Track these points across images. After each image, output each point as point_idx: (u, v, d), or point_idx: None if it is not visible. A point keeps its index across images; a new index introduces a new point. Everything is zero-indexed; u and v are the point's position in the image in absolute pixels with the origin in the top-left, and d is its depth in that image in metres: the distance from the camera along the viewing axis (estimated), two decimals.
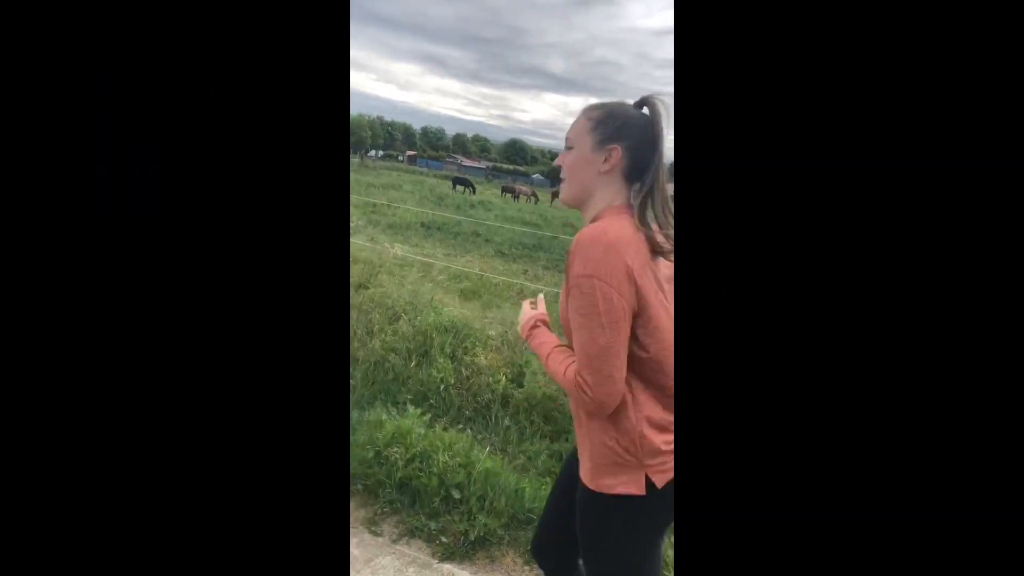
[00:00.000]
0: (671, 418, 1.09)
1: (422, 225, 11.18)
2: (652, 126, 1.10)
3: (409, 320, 3.56)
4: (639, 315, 1.04)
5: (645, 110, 1.12)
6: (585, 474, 1.14)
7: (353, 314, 3.70)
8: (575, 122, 1.15)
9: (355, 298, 4.02)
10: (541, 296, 1.34)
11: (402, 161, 64.10)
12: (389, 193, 16.95)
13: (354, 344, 3.39)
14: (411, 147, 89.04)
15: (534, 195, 31.46)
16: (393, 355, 3.23)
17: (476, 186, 30.94)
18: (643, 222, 1.07)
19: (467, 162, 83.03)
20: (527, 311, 1.29)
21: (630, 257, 1.01)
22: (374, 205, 11.25)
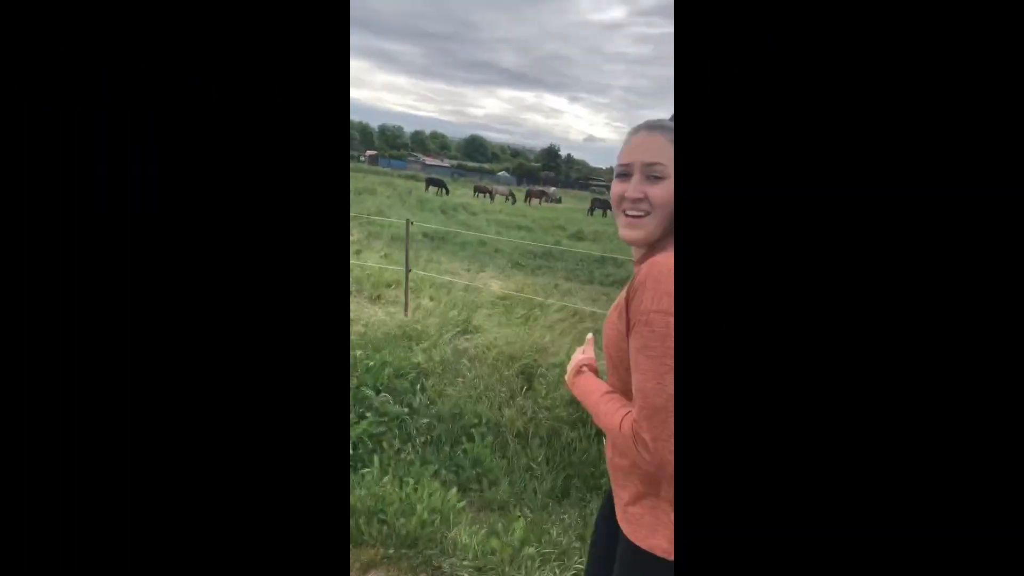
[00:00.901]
0: None
1: (424, 236, 10.63)
2: None
3: (554, 376, 3.14)
4: None
5: None
6: (631, 531, 0.99)
7: (481, 369, 3.37)
8: (653, 145, 0.96)
9: (462, 342, 3.64)
10: (590, 337, 1.20)
11: (363, 161, 63.14)
12: (367, 199, 16.26)
13: (506, 411, 2.99)
14: (369, 146, 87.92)
15: (511, 195, 30.54)
16: (567, 428, 2.84)
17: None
18: None
19: (430, 161, 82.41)
20: (576, 357, 1.15)
21: None
22: (367, 217, 10.72)
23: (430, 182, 28.64)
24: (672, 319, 0.84)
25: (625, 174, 0.98)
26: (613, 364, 1.02)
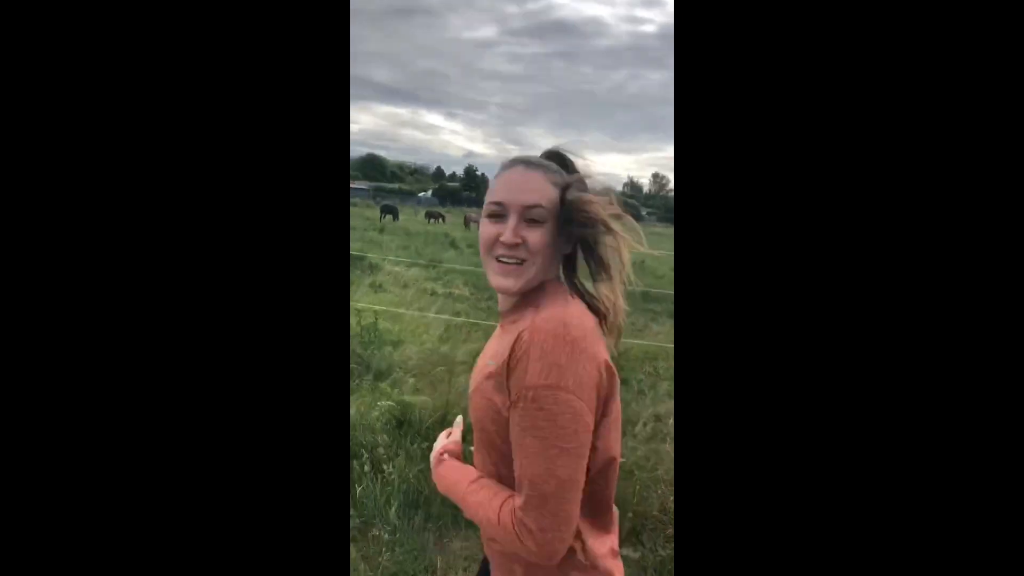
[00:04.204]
0: (615, 538, 0.91)
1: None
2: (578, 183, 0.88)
3: None
4: (601, 419, 0.81)
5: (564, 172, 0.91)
6: None
7: None
8: (533, 183, 0.85)
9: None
10: (459, 420, 1.08)
11: None
12: None
13: None
14: None
15: (476, 221, 29.22)
16: None
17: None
18: (580, 289, 0.88)
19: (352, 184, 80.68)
20: (439, 443, 1.03)
21: (600, 350, 0.80)
22: (362, 257, 8.72)
23: (385, 209, 25.60)
24: (565, 395, 0.75)
25: (499, 214, 0.86)
26: (486, 440, 0.88)
